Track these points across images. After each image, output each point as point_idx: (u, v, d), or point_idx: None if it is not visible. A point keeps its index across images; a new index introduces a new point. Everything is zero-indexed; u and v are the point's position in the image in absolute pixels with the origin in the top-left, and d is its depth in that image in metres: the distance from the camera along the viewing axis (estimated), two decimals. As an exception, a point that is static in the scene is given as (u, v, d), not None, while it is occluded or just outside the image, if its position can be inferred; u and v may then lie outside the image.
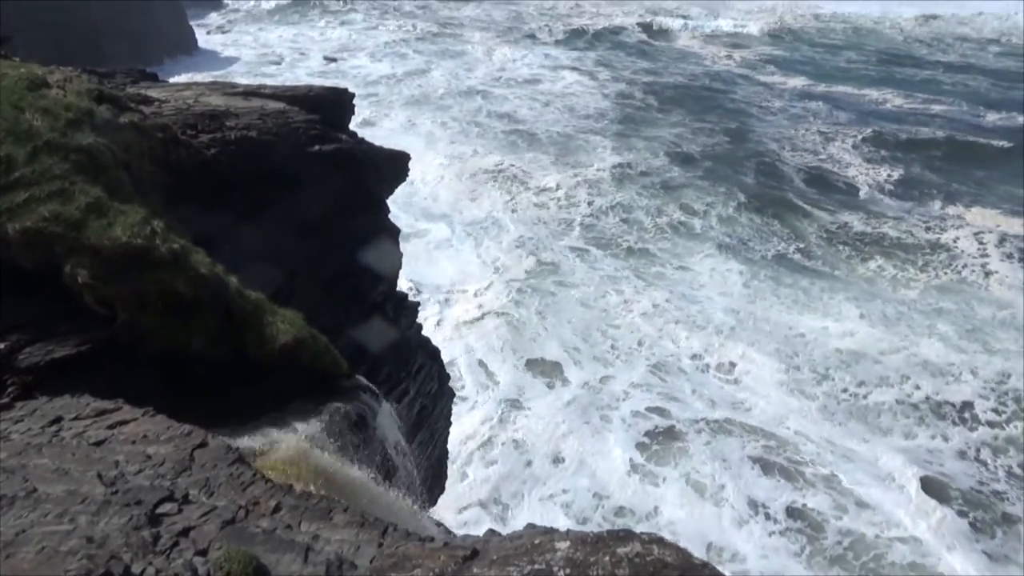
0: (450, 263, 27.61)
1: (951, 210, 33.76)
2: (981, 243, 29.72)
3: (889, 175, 38.17)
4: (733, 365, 22.13)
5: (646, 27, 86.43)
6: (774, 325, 23.91)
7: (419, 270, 25.82)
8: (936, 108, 54.14)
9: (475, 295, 25.27)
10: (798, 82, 63.50)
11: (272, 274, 8.54)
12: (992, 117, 51.53)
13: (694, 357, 22.51)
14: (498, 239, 29.78)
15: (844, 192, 36.24)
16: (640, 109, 52.89)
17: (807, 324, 23.97)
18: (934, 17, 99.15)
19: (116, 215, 6.38)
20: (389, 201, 12.77)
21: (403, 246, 14.21)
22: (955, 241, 30.28)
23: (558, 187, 35.18)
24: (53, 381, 5.27)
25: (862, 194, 36.04)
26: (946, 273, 27.97)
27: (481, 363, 21.62)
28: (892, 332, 23.70)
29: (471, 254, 28.37)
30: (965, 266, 28.33)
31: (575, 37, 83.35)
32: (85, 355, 5.57)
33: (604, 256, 28.64)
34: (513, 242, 29.21)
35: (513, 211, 32.95)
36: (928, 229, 31.73)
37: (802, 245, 29.69)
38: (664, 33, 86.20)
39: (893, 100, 56.43)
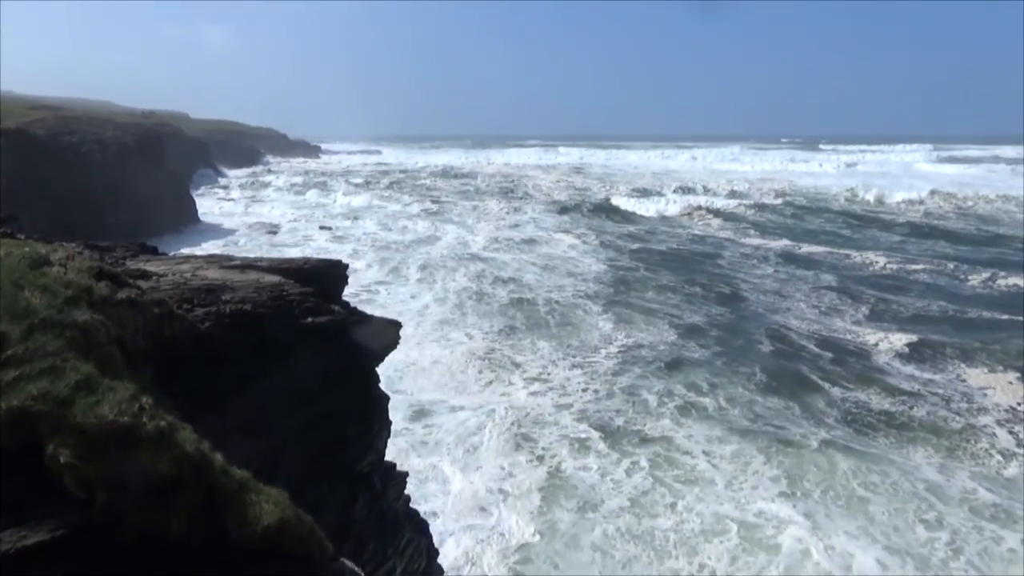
0: (437, 485, 22.80)
1: (971, 383, 31.27)
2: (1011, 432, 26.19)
3: (901, 342, 36.02)
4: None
5: (617, 206, 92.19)
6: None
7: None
8: (918, 267, 55.87)
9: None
10: (779, 244, 66.00)
11: (258, 448, 8.40)
12: (974, 278, 53.07)
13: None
14: (497, 443, 25.44)
15: (862, 364, 33.60)
16: (631, 270, 54.54)
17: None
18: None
19: (105, 391, 6.32)
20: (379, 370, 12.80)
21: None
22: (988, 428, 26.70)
23: (561, 371, 32.66)
24: (25, 569, 5.03)
25: (882, 365, 33.58)
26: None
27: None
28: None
29: (462, 479, 23.16)
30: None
31: (562, 205, 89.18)
32: (60, 540, 5.34)
33: (620, 460, 24.10)
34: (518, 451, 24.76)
35: (508, 397, 29.72)
36: (958, 412, 28.18)
37: (839, 433, 26.07)
38: (642, 204, 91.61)
39: (876, 260, 58.21)
